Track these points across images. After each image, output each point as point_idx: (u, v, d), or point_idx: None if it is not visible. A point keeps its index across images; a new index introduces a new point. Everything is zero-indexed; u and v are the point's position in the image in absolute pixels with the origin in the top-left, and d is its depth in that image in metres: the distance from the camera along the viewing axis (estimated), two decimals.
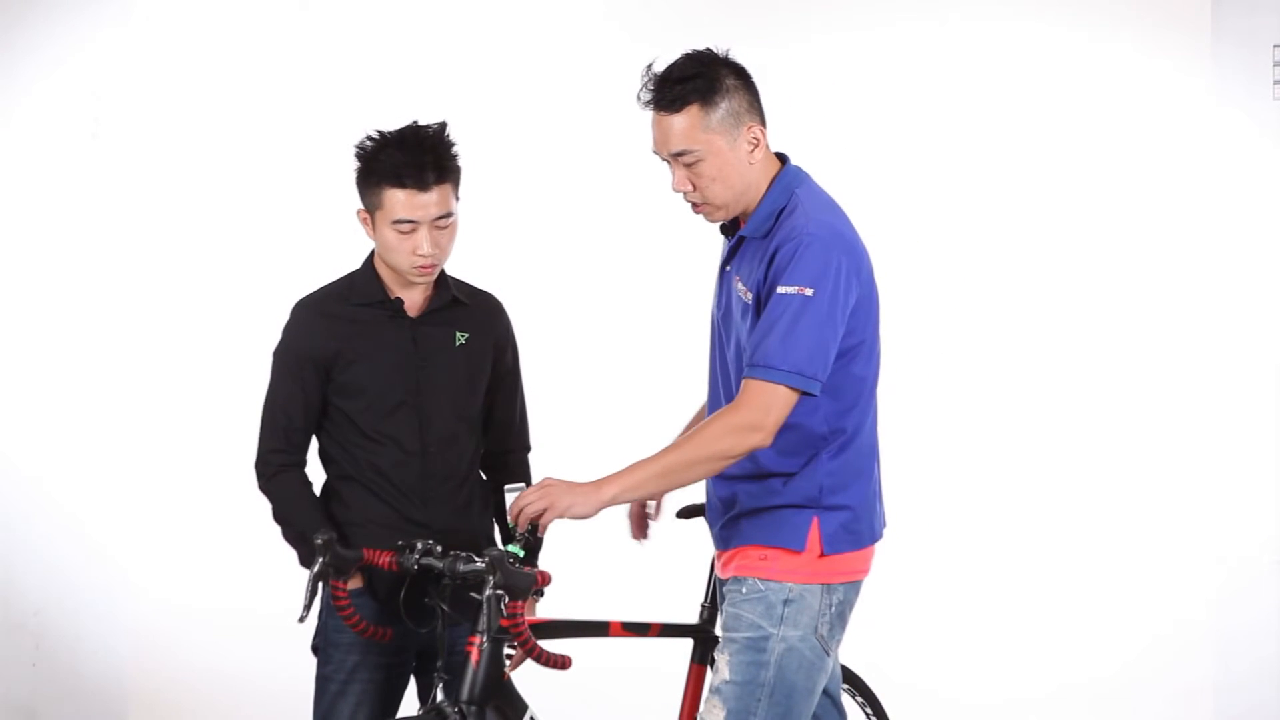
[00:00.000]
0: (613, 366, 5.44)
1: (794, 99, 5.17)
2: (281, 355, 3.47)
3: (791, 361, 3.01)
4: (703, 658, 3.69)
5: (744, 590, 3.18)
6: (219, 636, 5.41)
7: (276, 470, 3.46)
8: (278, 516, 3.48)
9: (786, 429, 3.09)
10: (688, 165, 3.12)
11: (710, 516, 3.33)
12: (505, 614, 3.10)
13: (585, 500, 3.03)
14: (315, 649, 3.52)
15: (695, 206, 3.19)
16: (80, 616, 5.30)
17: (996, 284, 5.40)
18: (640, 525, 3.62)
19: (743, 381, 3.06)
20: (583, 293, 5.43)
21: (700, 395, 5.21)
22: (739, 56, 3.20)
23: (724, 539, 3.27)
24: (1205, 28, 5.23)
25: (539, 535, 3.13)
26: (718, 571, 3.40)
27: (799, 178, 3.21)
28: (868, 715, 3.87)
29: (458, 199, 3.41)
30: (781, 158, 3.24)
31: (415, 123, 3.38)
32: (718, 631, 3.70)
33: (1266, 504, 5.21)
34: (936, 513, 5.31)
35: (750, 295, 3.14)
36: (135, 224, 5.42)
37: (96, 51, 5.31)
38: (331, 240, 5.12)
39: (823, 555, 3.16)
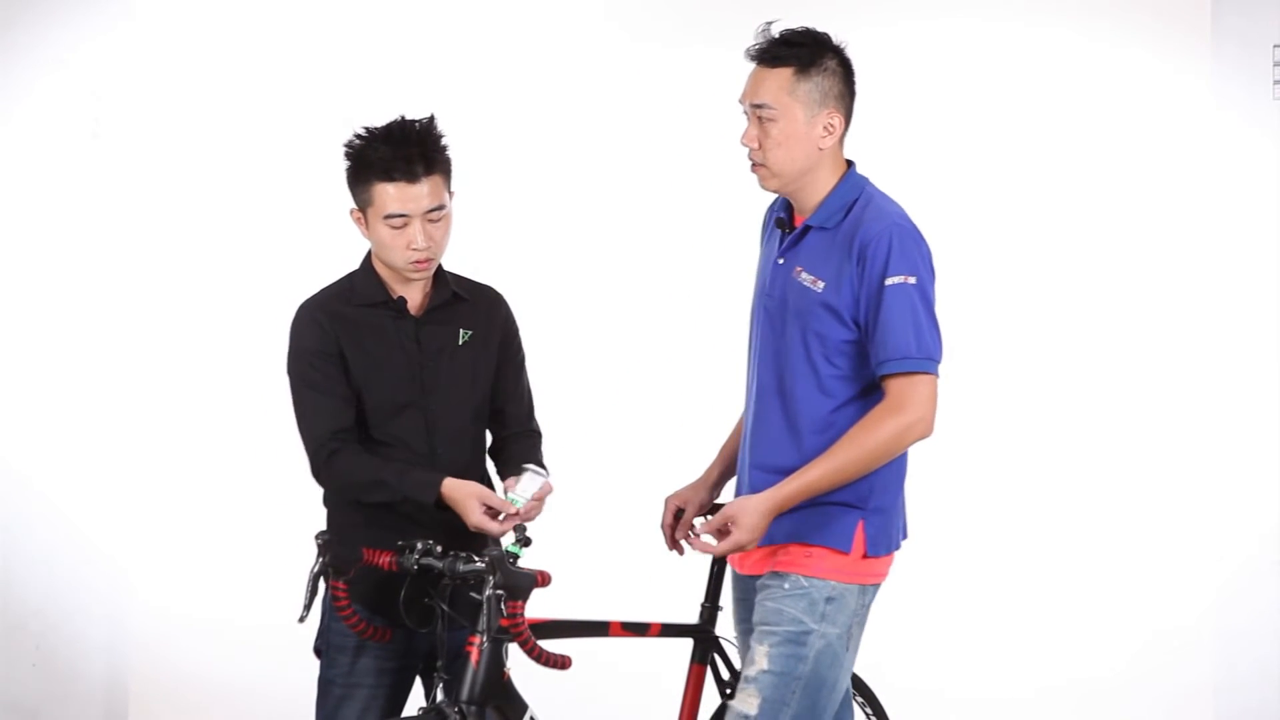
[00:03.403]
0: (616, 359, 5.43)
1: None
2: (298, 355, 3.42)
3: (924, 349, 3.12)
4: (703, 658, 3.68)
5: (786, 586, 3.20)
6: (219, 637, 5.40)
7: (328, 455, 3.36)
8: (363, 488, 3.34)
9: (843, 427, 3.15)
10: (761, 121, 3.22)
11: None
12: (505, 614, 3.10)
13: (761, 529, 3.15)
14: (318, 651, 3.50)
15: (754, 166, 3.27)
16: (80, 617, 5.30)
17: (996, 285, 5.40)
18: (674, 539, 3.60)
19: (887, 380, 3.11)
20: (585, 289, 5.42)
21: (702, 388, 5.24)
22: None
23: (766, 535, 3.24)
24: (1205, 28, 5.23)
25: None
26: (739, 567, 3.38)
27: (865, 179, 3.31)
28: (868, 715, 3.87)
29: (450, 193, 3.41)
30: (848, 163, 3.31)
31: (402, 117, 3.37)
32: (718, 631, 3.71)
33: (1266, 504, 5.21)
34: (936, 512, 5.29)
35: (821, 284, 3.18)
36: (135, 225, 5.42)
37: (96, 51, 5.31)
38: (334, 241, 5.12)
39: (864, 557, 3.21)
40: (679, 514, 3.55)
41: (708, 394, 5.19)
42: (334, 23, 5.48)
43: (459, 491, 3.29)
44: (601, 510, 5.24)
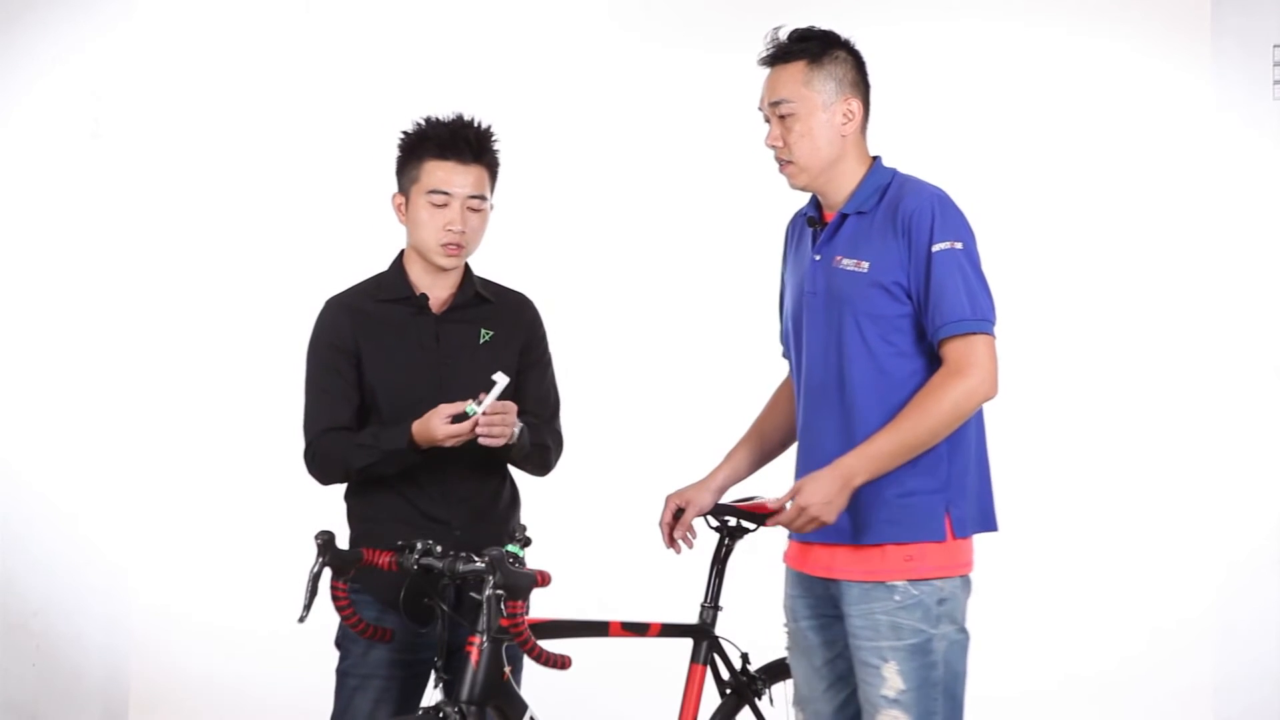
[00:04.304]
0: (616, 360, 5.43)
1: None
2: (313, 349, 3.49)
3: (979, 310, 3.18)
4: (703, 658, 3.68)
5: (897, 597, 3.17)
6: (219, 638, 5.41)
7: (315, 450, 3.43)
8: (347, 458, 3.39)
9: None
10: (782, 118, 3.25)
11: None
12: (505, 614, 3.10)
13: (844, 500, 3.10)
14: (338, 643, 3.52)
15: (782, 166, 3.29)
16: (80, 617, 5.30)
17: (997, 285, 5.39)
18: (672, 538, 3.58)
19: (945, 345, 3.15)
20: (585, 290, 5.42)
21: (704, 388, 5.23)
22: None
23: (841, 532, 3.20)
24: (1205, 28, 5.23)
25: None
26: (810, 569, 3.30)
27: (894, 168, 3.36)
28: None
29: (493, 190, 3.50)
30: (876, 158, 3.35)
31: (460, 114, 3.49)
32: (718, 631, 3.71)
33: (1267, 502, 5.21)
34: None
35: (866, 264, 3.20)
36: (135, 225, 5.42)
37: (96, 51, 5.31)
38: (336, 239, 5.13)
39: (956, 539, 3.21)
40: (679, 513, 3.54)
41: (710, 394, 5.21)
42: (333, 23, 5.48)
43: (421, 420, 3.31)
44: (601, 510, 5.25)
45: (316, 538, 3.18)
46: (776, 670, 3.83)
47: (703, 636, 3.68)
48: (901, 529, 3.17)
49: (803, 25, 3.32)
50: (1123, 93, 5.34)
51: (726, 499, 3.59)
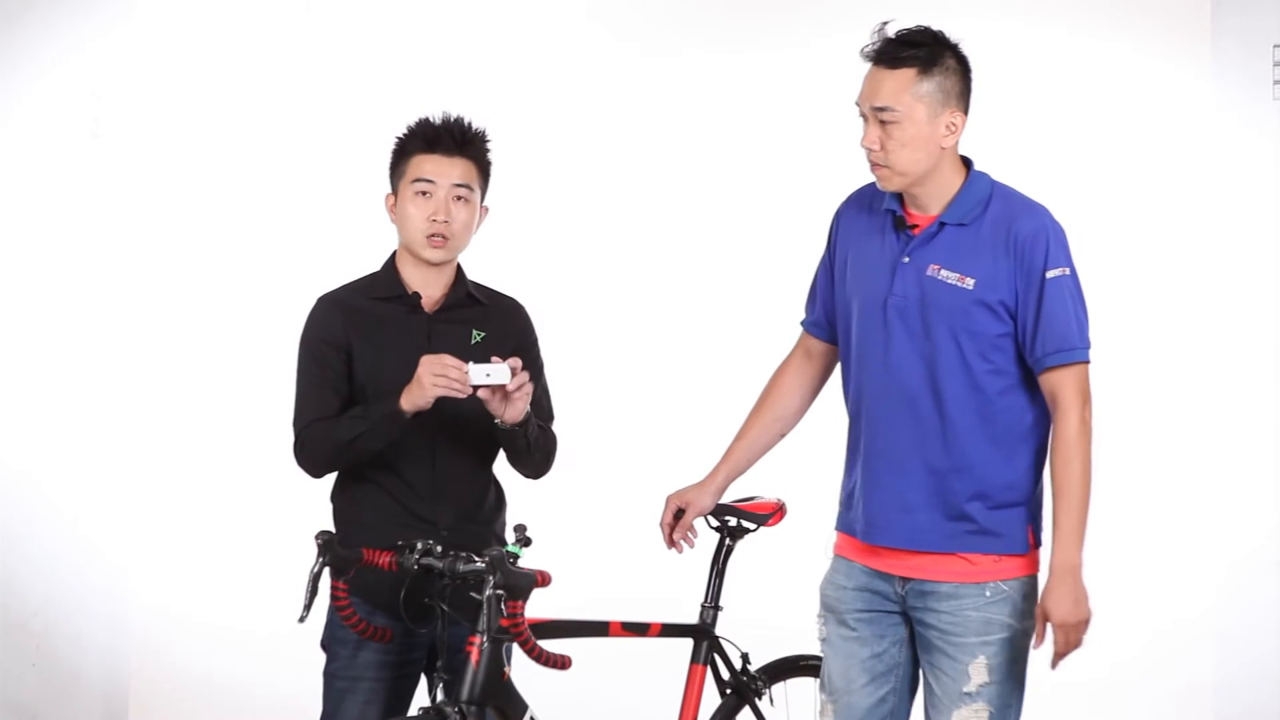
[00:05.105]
0: (614, 360, 5.43)
1: (787, 101, 5.16)
2: (305, 344, 3.49)
3: (1084, 338, 3.19)
4: (703, 658, 3.68)
5: (988, 594, 3.20)
6: (219, 638, 5.41)
7: (305, 440, 3.43)
8: (334, 433, 3.39)
9: (1018, 431, 3.21)
10: (883, 124, 3.19)
11: (885, 513, 3.25)
12: (505, 614, 3.11)
13: (1083, 589, 3.16)
14: (325, 646, 3.52)
15: (875, 167, 3.25)
16: (80, 617, 5.30)
17: None
18: (672, 538, 3.58)
19: (1048, 374, 3.16)
20: (584, 290, 5.42)
21: (704, 388, 5.22)
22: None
23: (929, 540, 3.23)
24: (1205, 28, 5.23)
25: None
26: (882, 565, 3.28)
27: (988, 174, 3.34)
28: None
29: (483, 190, 3.50)
30: (966, 160, 3.32)
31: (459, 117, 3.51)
32: (718, 631, 3.71)
33: (1266, 502, 5.21)
34: None
35: (971, 281, 3.18)
36: (135, 225, 5.42)
37: (96, 51, 5.31)
38: (335, 240, 5.14)
39: (1036, 548, 3.27)
40: (679, 514, 3.54)
41: (709, 393, 5.20)
42: (333, 24, 5.49)
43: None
44: (601, 510, 5.25)
45: (316, 538, 3.19)
46: (777, 670, 3.83)
47: (703, 636, 3.68)
48: (992, 543, 3.21)
49: (913, 23, 3.24)
50: (1123, 93, 5.34)
51: (726, 498, 3.59)
